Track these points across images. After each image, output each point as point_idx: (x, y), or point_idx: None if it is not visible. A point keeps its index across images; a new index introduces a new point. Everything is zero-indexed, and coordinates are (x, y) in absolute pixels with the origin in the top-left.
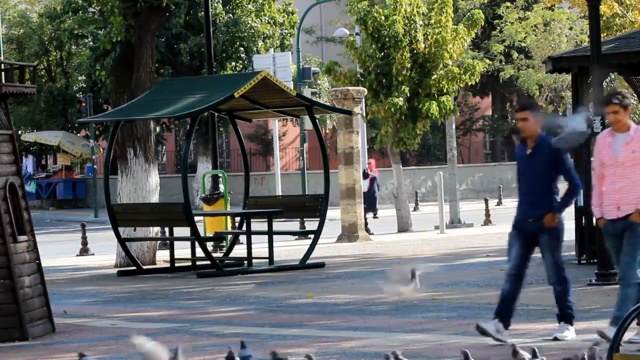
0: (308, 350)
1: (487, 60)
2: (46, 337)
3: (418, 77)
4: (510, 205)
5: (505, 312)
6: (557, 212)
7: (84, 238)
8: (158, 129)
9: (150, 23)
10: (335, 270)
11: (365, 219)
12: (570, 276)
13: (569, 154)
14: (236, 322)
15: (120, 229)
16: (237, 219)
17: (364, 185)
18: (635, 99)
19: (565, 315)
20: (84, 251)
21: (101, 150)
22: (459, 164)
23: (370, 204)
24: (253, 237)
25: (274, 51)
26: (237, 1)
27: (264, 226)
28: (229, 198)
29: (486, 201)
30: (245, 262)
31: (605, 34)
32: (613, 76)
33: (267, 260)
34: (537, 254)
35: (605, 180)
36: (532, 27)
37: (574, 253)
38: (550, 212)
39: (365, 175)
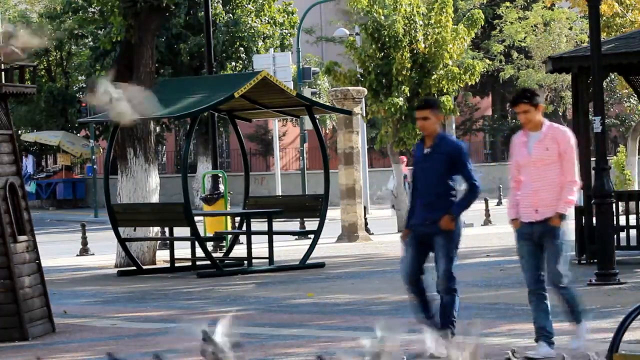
0: (308, 350)
1: (487, 60)
2: (46, 337)
3: (418, 77)
4: None
5: (425, 311)
6: (454, 215)
7: (84, 238)
8: (158, 129)
9: (150, 23)
10: (335, 270)
11: (366, 218)
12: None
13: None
14: (236, 322)
15: (120, 229)
16: (237, 219)
17: (392, 184)
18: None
19: (447, 329)
20: (84, 251)
21: (101, 150)
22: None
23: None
24: (253, 237)
25: (274, 51)
26: (237, 1)
27: (264, 226)
28: (229, 198)
29: (486, 201)
30: (245, 262)
31: (605, 34)
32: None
33: (267, 260)
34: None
35: (522, 182)
36: (531, 27)
37: (574, 253)
38: (447, 215)
39: None
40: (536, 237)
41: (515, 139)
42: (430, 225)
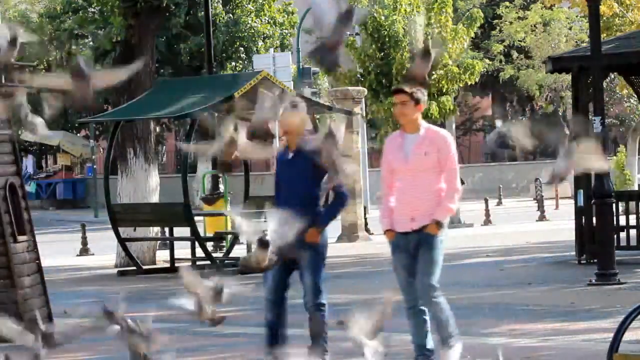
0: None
1: (487, 60)
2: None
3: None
4: (511, 205)
5: (275, 342)
6: (321, 226)
7: (84, 238)
8: (158, 129)
9: (150, 23)
10: (335, 270)
11: (366, 218)
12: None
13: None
14: (236, 322)
15: (120, 229)
16: None
17: None
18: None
19: (319, 347)
20: (84, 251)
21: (101, 150)
22: (459, 164)
23: None
24: None
25: (274, 51)
26: (237, 1)
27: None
28: (229, 198)
29: (486, 201)
30: None
31: (605, 34)
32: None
33: None
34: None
35: (396, 188)
36: (531, 26)
37: (573, 253)
38: (313, 226)
39: None
40: (412, 248)
41: (389, 141)
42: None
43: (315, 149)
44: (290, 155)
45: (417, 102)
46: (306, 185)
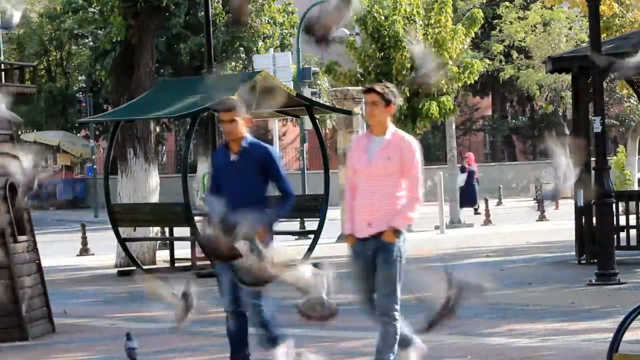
0: (308, 350)
1: (487, 60)
2: (46, 337)
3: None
4: (511, 205)
5: (239, 352)
6: (268, 226)
7: (84, 238)
8: (158, 129)
9: (150, 23)
10: (335, 270)
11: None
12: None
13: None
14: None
15: (120, 229)
16: None
17: (461, 180)
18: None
19: (276, 343)
20: (84, 251)
21: (101, 150)
22: (459, 164)
23: (470, 197)
24: None
25: (274, 51)
26: None
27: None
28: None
29: (486, 201)
30: None
31: (605, 34)
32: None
33: None
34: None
35: (358, 192)
36: (531, 26)
37: (573, 253)
38: (262, 227)
39: (463, 169)
40: (370, 256)
41: (355, 142)
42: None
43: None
44: (233, 158)
45: (388, 103)
46: (251, 188)
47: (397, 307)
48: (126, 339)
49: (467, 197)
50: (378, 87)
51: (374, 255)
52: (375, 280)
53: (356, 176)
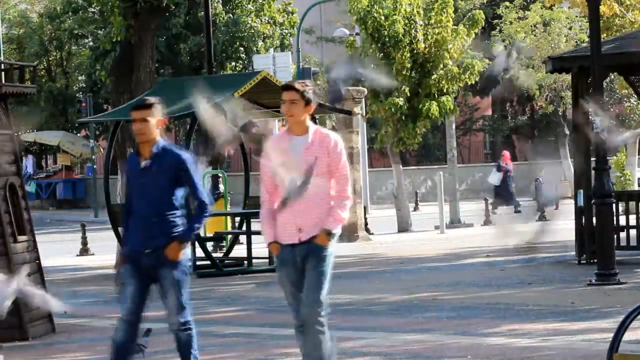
0: None
1: (487, 60)
2: (46, 337)
3: (418, 77)
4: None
5: None
6: (183, 241)
7: (84, 238)
8: None
9: (150, 23)
10: (335, 270)
11: (366, 218)
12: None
13: (198, 165)
14: (236, 322)
15: (120, 229)
16: (237, 219)
17: (496, 179)
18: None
19: None
20: (84, 251)
21: (101, 150)
22: (459, 164)
23: (508, 197)
24: (253, 237)
25: (274, 51)
26: (237, 1)
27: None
28: (229, 198)
29: (486, 201)
30: (245, 262)
31: (605, 34)
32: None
33: (267, 260)
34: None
35: (280, 196)
36: (531, 26)
37: (573, 253)
38: (174, 241)
39: (499, 167)
40: (300, 262)
41: (274, 143)
42: (152, 254)
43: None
44: (144, 164)
45: (307, 102)
46: (162, 196)
47: (325, 312)
48: (143, 333)
49: (505, 196)
50: (297, 85)
51: (304, 261)
52: (304, 286)
53: (278, 180)
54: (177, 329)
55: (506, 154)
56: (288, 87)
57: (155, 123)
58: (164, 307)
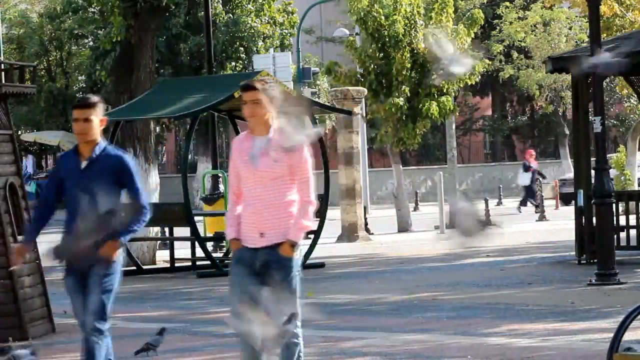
0: (308, 350)
1: (487, 60)
2: (46, 337)
3: (418, 77)
4: (511, 205)
5: None
6: (119, 240)
7: None
8: (158, 129)
9: (150, 23)
10: (335, 270)
11: (366, 218)
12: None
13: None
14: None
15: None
16: None
17: (527, 179)
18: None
19: None
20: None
21: None
22: (459, 164)
23: (532, 194)
24: None
25: (274, 51)
26: (237, 1)
27: None
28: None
29: (486, 201)
30: None
31: (605, 34)
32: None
33: None
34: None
35: (244, 198)
36: (531, 26)
37: (573, 253)
38: (110, 242)
39: (527, 168)
40: (258, 266)
41: (236, 144)
42: (89, 255)
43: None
44: (84, 164)
45: (271, 100)
46: (102, 201)
47: (299, 323)
48: (157, 332)
49: (532, 196)
50: (258, 84)
51: (265, 268)
52: (273, 300)
53: (241, 182)
54: (89, 332)
55: (531, 152)
56: (249, 87)
57: (98, 123)
58: (84, 307)
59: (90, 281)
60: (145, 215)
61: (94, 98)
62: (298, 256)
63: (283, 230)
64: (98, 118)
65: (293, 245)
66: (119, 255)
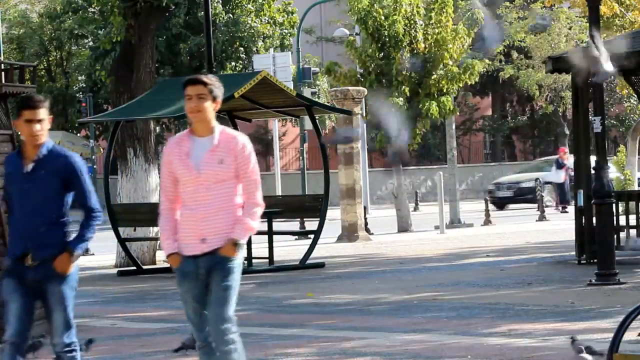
0: (308, 350)
1: (487, 60)
2: (46, 337)
3: (418, 77)
4: (511, 205)
5: None
6: (74, 252)
7: None
8: (158, 129)
9: (150, 23)
10: (335, 270)
11: (366, 218)
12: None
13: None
14: (236, 322)
15: (120, 229)
16: None
17: (560, 177)
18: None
19: None
20: (84, 251)
21: (101, 150)
22: (459, 164)
23: (567, 194)
24: (253, 237)
25: (274, 51)
26: (237, 1)
27: (264, 226)
28: None
29: (486, 201)
30: (245, 262)
31: (605, 34)
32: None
33: (267, 260)
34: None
35: (182, 203)
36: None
37: (573, 253)
38: (64, 253)
39: (560, 165)
40: (203, 275)
41: (172, 145)
42: (40, 267)
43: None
44: (30, 167)
45: (214, 98)
46: (49, 203)
47: (234, 327)
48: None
49: (564, 193)
50: (205, 79)
51: (208, 274)
52: (210, 301)
53: (180, 186)
54: (62, 350)
55: (564, 149)
56: (194, 80)
57: (47, 123)
58: (48, 326)
59: (49, 299)
60: (97, 219)
61: (41, 97)
62: (240, 258)
63: (226, 235)
64: (47, 118)
65: (236, 244)
66: (75, 267)
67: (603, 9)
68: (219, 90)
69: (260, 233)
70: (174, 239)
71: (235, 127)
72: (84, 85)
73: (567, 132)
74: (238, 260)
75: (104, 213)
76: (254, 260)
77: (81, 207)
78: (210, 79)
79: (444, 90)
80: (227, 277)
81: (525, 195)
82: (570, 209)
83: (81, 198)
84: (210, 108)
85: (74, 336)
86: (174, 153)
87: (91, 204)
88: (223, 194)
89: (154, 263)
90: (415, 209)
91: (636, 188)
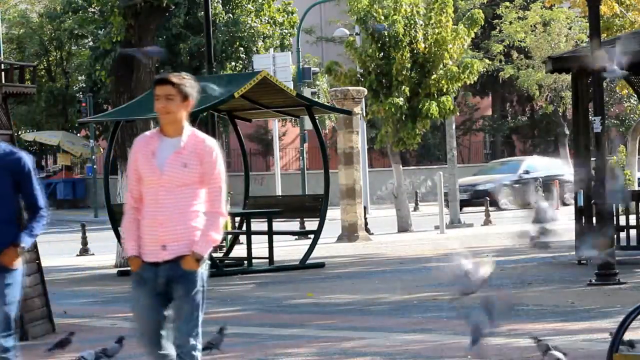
0: (308, 350)
1: (487, 60)
2: (46, 337)
3: (418, 77)
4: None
5: None
6: (22, 245)
7: (84, 238)
8: None
9: (150, 23)
10: (335, 270)
11: (366, 218)
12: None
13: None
14: (236, 322)
15: (120, 229)
16: (237, 219)
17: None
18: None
19: None
20: (84, 251)
21: (101, 150)
22: (459, 164)
23: None
24: (253, 237)
25: (274, 51)
26: (237, 1)
27: (264, 226)
28: (229, 198)
29: (486, 201)
30: (245, 262)
31: (605, 34)
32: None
33: (267, 260)
34: None
35: (145, 206)
36: (531, 26)
37: (573, 253)
38: (11, 248)
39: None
40: (161, 284)
41: (140, 144)
42: None
43: None
44: None
45: (185, 97)
46: (4, 202)
47: (200, 345)
48: (217, 331)
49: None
50: (174, 78)
51: (168, 284)
52: (175, 316)
53: (143, 186)
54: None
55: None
56: (163, 80)
57: None
58: None
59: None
60: (45, 218)
61: None
62: (204, 269)
63: (188, 242)
64: None
65: (199, 259)
66: (20, 263)
67: (603, 9)
68: (190, 89)
69: (260, 233)
70: (136, 241)
71: (235, 127)
72: (84, 85)
73: (567, 132)
74: (201, 273)
75: (104, 213)
76: (254, 260)
77: (27, 204)
78: (181, 78)
79: (444, 90)
80: (191, 292)
81: (480, 198)
82: (569, 209)
83: (28, 195)
84: (180, 108)
85: (11, 340)
86: (141, 151)
87: (39, 202)
88: (183, 199)
89: None
90: (415, 209)
91: (636, 188)
